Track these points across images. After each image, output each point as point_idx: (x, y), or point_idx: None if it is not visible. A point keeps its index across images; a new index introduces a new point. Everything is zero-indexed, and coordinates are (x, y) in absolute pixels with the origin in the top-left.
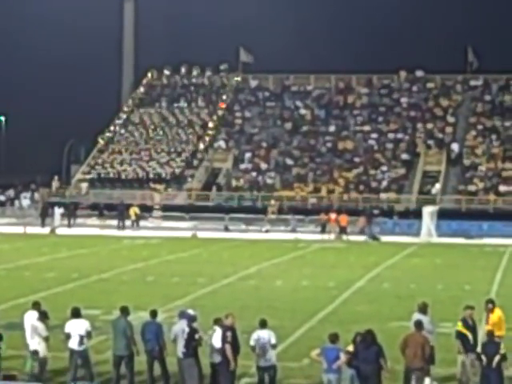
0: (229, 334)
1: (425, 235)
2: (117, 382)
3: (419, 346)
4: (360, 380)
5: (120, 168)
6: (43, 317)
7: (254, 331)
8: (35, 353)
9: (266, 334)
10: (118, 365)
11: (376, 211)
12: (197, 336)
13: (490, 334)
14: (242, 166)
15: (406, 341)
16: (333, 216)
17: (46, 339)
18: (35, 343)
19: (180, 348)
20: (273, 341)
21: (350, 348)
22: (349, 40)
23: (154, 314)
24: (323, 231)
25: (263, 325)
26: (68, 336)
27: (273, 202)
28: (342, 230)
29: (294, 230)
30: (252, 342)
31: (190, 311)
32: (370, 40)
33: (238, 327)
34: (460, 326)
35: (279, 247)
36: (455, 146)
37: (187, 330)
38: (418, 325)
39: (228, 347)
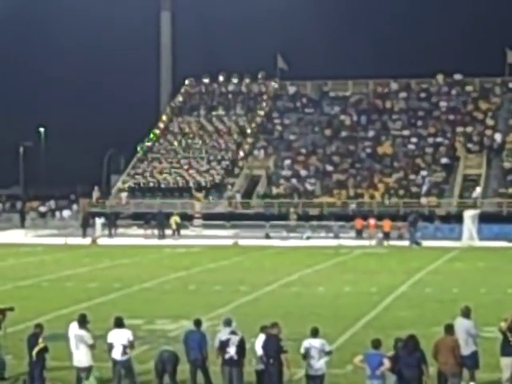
0: (283, 344)
1: (466, 239)
2: None
3: (450, 350)
4: None
5: (160, 177)
6: (84, 323)
7: (306, 339)
8: (90, 369)
9: (317, 343)
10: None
11: (414, 216)
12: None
13: None
14: (282, 173)
15: (438, 346)
16: (372, 222)
17: (92, 347)
18: (80, 354)
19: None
20: (327, 348)
21: (392, 354)
22: (386, 45)
23: (198, 323)
24: (359, 237)
25: (315, 333)
26: (111, 346)
27: (292, 209)
28: (386, 236)
29: (336, 236)
30: (302, 350)
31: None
32: (407, 44)
33: (282, 334)
34: None
35: (320, 254)
36: (498, 136)
37: (239, 337)
38: (449, 328)
39: (285, 357)
